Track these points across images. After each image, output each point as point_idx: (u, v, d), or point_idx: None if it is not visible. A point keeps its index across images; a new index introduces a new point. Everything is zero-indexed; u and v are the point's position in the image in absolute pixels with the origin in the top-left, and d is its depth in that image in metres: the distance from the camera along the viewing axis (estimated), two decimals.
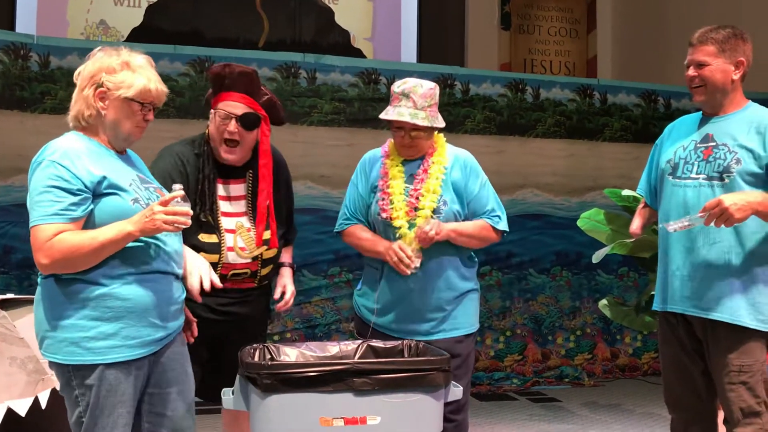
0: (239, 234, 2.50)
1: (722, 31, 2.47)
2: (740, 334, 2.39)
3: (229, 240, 2.47)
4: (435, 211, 2.57)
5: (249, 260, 2.49)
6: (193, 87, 4.54)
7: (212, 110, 2.51)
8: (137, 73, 2.09)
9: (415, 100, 2.56)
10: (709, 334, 2.43)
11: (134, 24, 6.52)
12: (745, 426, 2.36)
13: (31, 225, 1.98)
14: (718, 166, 2.43)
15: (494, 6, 7.55)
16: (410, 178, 2.63)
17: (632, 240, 3.63)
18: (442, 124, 2.63)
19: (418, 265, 2.52)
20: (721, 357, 2.40)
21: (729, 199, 2.26)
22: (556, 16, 7.74)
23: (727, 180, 2.41)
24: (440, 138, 2.70)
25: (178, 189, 2.02)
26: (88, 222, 2.00)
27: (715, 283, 2.40)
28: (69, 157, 2.00)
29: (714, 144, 2.48)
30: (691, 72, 2.50)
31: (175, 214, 1.97)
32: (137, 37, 6.28)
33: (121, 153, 2.15)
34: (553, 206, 5.48)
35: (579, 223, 3.91)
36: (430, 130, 2.62)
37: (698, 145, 2.51)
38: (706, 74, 2.47)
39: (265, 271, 2.57)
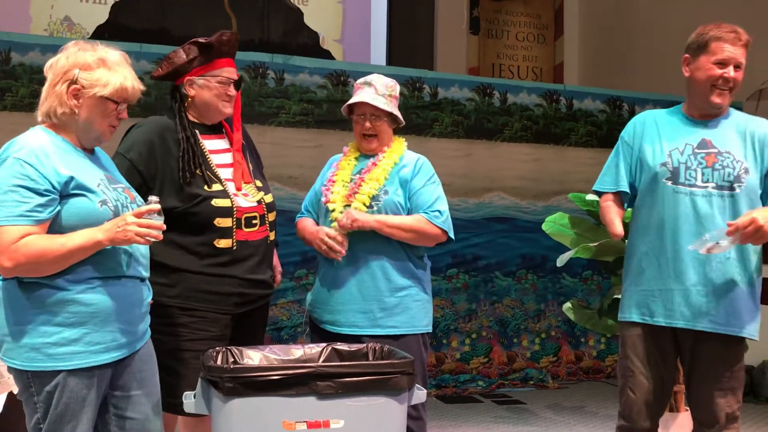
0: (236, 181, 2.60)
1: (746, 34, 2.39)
2: (735, 343, 2.40)
3: (230, 187, 2.56)
4: (373, 198, 2.60)
5: (255, 203, 2.57)
6: (159, 86, 4.47)
7: (197, 77, 2.56)
8: (113, 71, 2.02)
9: (376, 87, 2.65)
10: (702, 344, 2.40)
11: (99, 21, 6.41)
12: (729, 430, 2.38)
13: None
14: (727, 174, 2.37)
15: (463, 10, 7.59)
16: (359, 171, 2.68)
17: (596, 244, 3.69)
18: (401, 118, 2.69)
19: (344, 251, 2.56)
20: (712, 364, 2.39)
21: (763, 218, 2.19)
22: (525, 22, 7.82)
23: (738, 189, 2.36)
24: (400, 140, 2.75)
25: (155, 202, 1.98)
26: (54, 223, 1.93)
27: (728, 297, 2.37)
28: (36, 155, 1.92)
29: (716, 151, 2.40)
30: (733, 73, 2.36)
31: (149, 227, 1.93)
32: (102, 34, 6.18)
33: (89, 151, 2.09)
34: (519, 209, 5.53)
35: (544, 226, 3.95)
36: (390, 118, 2.67)
37: (696, 151, 2.42)
38: (739, 79, 2.38)
39: (271, 217, 2.65)
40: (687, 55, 2.48)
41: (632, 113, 5.84)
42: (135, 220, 1.92)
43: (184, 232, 2.43)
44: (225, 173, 2.57)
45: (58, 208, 1.94)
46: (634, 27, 7.04)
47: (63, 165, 1.95)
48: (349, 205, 2.61)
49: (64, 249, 1.89)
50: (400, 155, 2.69)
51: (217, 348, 2.26)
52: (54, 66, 2.02)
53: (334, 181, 2.69)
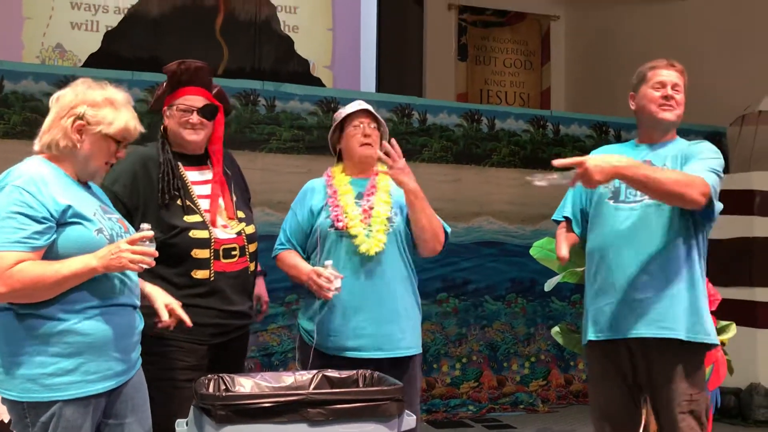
0: (218, 213, 2.61)
1: None
2: (692, 354, 2.42)
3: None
4: (389, 220, 2.65)
5: (234, 235, 2.58)
6: (152, 114, 4.52)
7: (167, 107, 2.64)
8: (119, 111, 2.08)
9: (365, 104, 2.76)
10: (657, 361, 2.44)
11: (92, 49, 6.45)
12: None
13: None
14: None
15: (451, 37, 7.70)
16: (359, 195, 2.71)
17: (582, 269, 3.73)
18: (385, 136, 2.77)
19: (339, 285, 2.51)
20: (672, 385, 2.41)
21: (592, 161, 2.27)
22: (512, 48, 7.93)
23: None
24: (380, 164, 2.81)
25: (147, 229, 2.02)
26: (50, 251, 1.96)
27: (674, 301, 2.42)
28: (35, 183, 1.96)
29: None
30: (671, 91, 2.53)
31: (142, 254, 1.97)
32: (95, 62, 6.22)
33: (83, 183, 2.13)
34: (508, 234, 5.57)
35: (531, 251, 3.98)
36: (380, 132, 2.75)
37: None
38: (679, 100, 2.54)
39: (252, 248, 2.65)
40: (632, 93, 2.66)
41: (618, 138, 5.91)
42: (129, 247, 1.95)
43: (162, 262, 2.42)
44: (206, 204, 2.59)
45: (55, 235, 1.96)
46: (619, 53, 7.16)
47: (61, 194, 1.99)
48: (367, 228, 2.62)
49: (59, 275, 1.92)
50: (388, 180, 2.74)
51: (209, 375, 2.27)
52: (61, 100, 2.08)
53: (341, 206, 2.66)
